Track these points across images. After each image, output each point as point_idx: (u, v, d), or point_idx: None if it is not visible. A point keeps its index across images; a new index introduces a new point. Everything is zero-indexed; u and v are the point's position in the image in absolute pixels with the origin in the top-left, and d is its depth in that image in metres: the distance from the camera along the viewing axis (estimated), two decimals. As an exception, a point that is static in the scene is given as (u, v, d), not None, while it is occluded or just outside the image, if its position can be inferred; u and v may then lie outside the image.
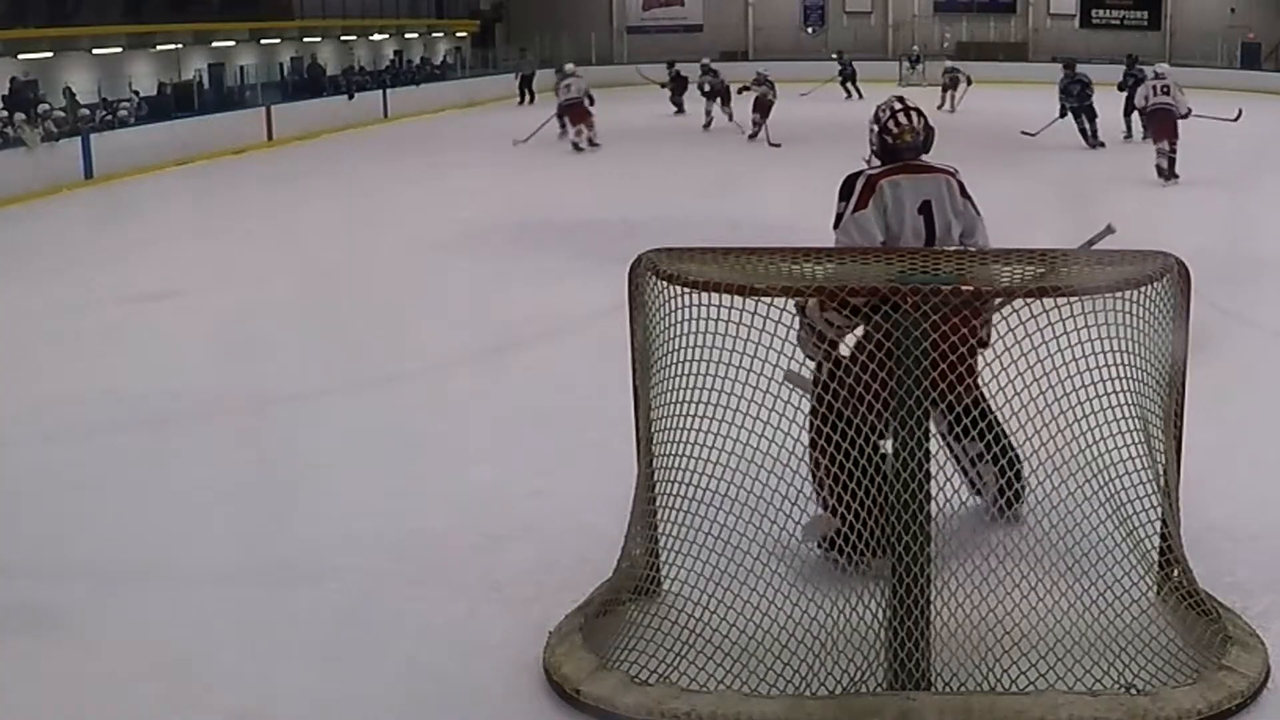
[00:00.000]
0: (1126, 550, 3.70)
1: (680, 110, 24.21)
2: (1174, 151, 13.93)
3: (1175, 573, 3.78)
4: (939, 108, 23.80)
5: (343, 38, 31.20)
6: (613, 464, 4.99)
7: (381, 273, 9.91)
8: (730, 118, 20.43)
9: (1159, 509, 3.72)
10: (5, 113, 16.58)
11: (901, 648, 3.39)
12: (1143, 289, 3.53)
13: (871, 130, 4.39)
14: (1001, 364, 3.44)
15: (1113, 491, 3.66)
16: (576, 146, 18.30)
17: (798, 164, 14.56)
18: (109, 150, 16.59)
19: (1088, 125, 17.34)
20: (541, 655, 3.68)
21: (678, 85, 24.58)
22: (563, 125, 18.83)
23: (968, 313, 3.29)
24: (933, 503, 3.40)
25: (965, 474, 4.01)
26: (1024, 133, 17.73)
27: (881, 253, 3.97)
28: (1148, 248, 3.73)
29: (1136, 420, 3.64)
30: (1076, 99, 17.35)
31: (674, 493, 3.72)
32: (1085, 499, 3.67)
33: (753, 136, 18.82)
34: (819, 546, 3.95)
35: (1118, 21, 36.05)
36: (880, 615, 3.45)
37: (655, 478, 3.79)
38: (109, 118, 18.34)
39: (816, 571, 3.54)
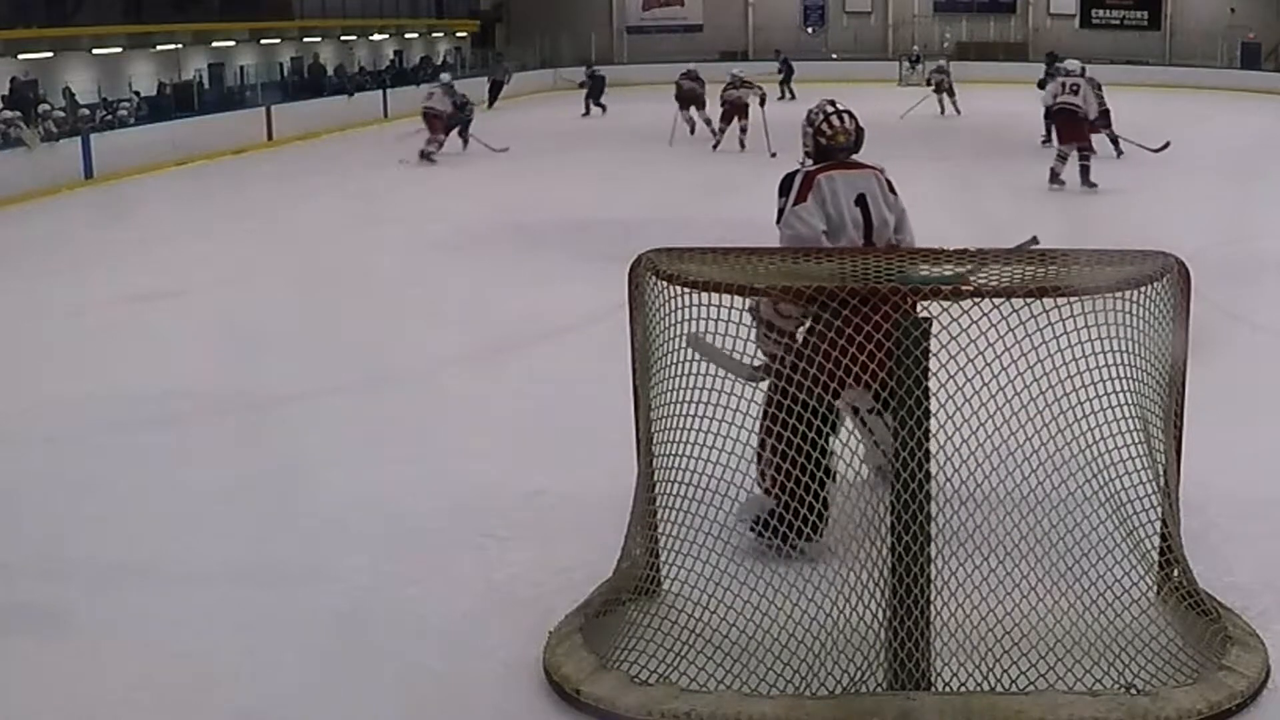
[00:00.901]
0: (1126, 550, 3.70)
1: (587, 112, 24.90)
2: (1086, 158, 13.10)
3: (1175, 573, 3.78)
4: (941, 114, 23.21)
5: (343, 38, 31.20)
6: (613, 464, 4.99)
7: (381, 273, 9.90)
8: (709, 123, 18.85)
9: (1159, 509, 3.72)
10: (5, 113, 16.58)
11: (901, 648, 3.39)
12: (1143, 289, 3.54)
13: (806, 132, 4.64)
14: (1002, 364, 3.45)
15: (1113, 491, 3.66)
16: (423, 155, 17.11)
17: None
18: (109, 150, 16.58)
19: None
20: (541, 655, 3.68)
21: (595, 86, 25.59)
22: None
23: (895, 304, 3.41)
24: (932, 503, 3.41)
25: (870, 445, 4.04)
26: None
27: (882, 252, 3.98)
28: (1148, 248, 3.73)
29: (1136, 420, 3.64)
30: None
31: (674, 493, 3.72)
32: (1085, 499, 3.67)
33: (715, 146, 17.73)
34: (751, 529, 4.10)
35: (1118, 21, 36.05)
36: (880, 615, 3.45)
37: (655, 478, 3.79)
38: (109, 117, 18.34)
39: (816, 571, 3.54)
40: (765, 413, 3.92)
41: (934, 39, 36.27)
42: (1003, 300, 3.46)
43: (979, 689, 3.40)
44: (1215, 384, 4.40)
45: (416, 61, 32.63)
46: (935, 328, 3.38)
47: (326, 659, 3.84)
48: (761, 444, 4.00)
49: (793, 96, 26.22)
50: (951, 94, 23.70)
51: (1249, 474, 5.02)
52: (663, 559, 3.82)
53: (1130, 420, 3.62)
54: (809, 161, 4.56)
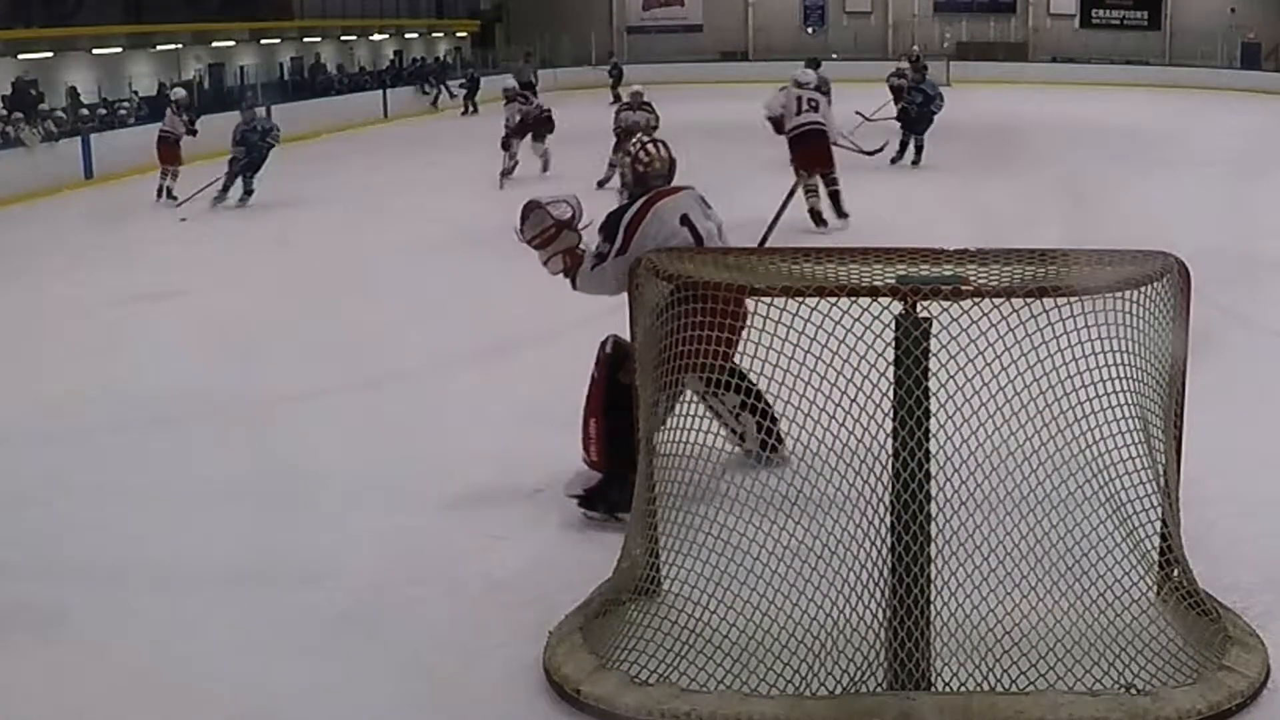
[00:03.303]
0: (1126, 550, 3.70)
1: (615, 101, 25.08)
2: (835, 184, 11.05)
3: (1175, 573, 3.78)
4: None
5: (343, 38, 31.21)
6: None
7: (381, 272, 9.90)
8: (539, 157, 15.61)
9: (1159, 509, 3.71)
10: (5, 113, 16.59)
11: (901, 648, 3.39)
12: (1143, 289, 3.54)
13: (623, 162, 4.99)
14: (1002, 364, 3.45)
15: (1113, 491, 3.66)
16: (160, 192, 14.57)
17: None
18: (109, 150, 16.58)
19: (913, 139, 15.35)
20: (541, 655, 3.68)
21: (470, 88, 27.08)
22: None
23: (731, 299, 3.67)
24: (932, 503, 3.41)
25: (726, 425, 4.19)
26: (858, 113, 15.59)
27: (881, 252, 3.97)
28: (1148, 247, 3.73)
29: (1136, 420, 3.64)
30: (918, 106, 15.21)
31: (674, 493, 3.72)
32: (1085, 499, 3.67)
33: (602, 182, 13.65)
34: (579, 503, 4.68)
35: (1118, 21, 36.05)
36: (880, 615, 3.46)
37: (655, 478, 3.79)
38: (109, 117, 18.34)
39: (816, 571, 3.54)
40: (596, 394, 4.54)
41: (934, 39, 36.27)
42: (1003, 300, 3.46)
43: (979, 689, 3.40)
44: (1215, 384, 4.41)
45: (415, 61, 32.61)
46: (935, 328, 3.38)
47: (326, 659, 3.84)
48: (587, 422, 4.60)
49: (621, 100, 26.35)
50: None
51: (1249, 474, 5.02)
52: (663, 559, 3.82)
53: (1130, 420, 3.62)
54: (625, 193, 4.92)
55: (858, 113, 15.40)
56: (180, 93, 16.39)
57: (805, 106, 11.02)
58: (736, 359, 3.90)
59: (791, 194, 10.49)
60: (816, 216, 10.87)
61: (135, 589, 4.36)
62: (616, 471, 4.46)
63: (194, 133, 14.98)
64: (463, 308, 8.65)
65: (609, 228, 4.72)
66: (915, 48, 32.24)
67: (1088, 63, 33.59)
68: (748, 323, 3.74)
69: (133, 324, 8.47)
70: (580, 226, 4.85)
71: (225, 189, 13.68)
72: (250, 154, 13.75)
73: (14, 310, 9.01)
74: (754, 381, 3.86)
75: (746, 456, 4.16)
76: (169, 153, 14.58)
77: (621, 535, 4.00)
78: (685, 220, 4.71)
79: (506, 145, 15.35)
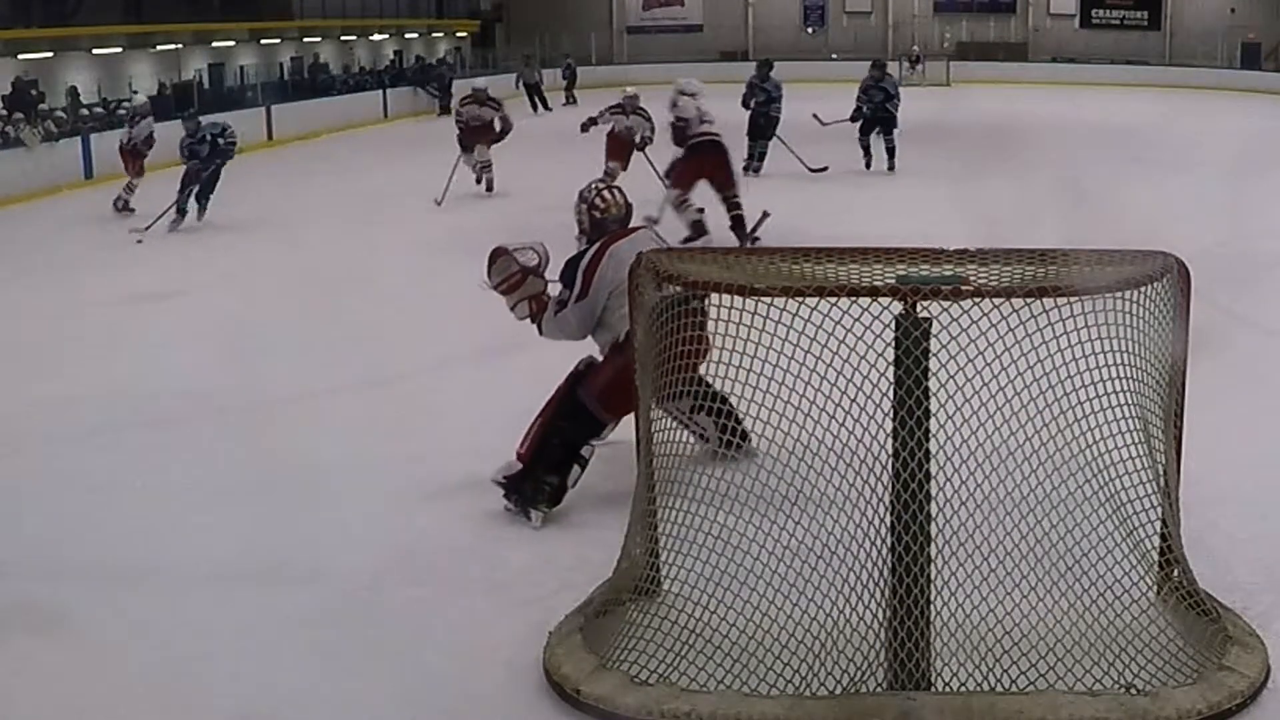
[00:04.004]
0: (1126, 550, 3.70)
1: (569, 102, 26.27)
2: (738, 206, 10.15)
3: (1175, 573, 3.78)
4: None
5: (343, 38, 31.20)
6: (613, 464, 5.00)
7: (381, 272, 9.90)
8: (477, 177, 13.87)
9: (1159, 509, 3.72)
10: (5, 112, 16.57)
11: (901, 648, 3.39)
12: (1143, 289, 3.54)
13: (580, 209, 5.10)
14: (1002, 364, 3.45)
15: (1113, 491, 3.66)
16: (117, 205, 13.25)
17: (797, 163, 14.53)
18: (109, 150, 16.55)
19: (872, 141, 14.74)
20: (541, 655, 3.68)
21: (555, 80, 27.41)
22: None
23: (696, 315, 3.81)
24: (932, 503, 3.41)
25: (686, 427, 4.20)
26: (815, 116, 14.95)
27: (881, 252, 3.97)
28: (1148, 247, 3.73)
29: (1136, 420, 3.64)
30: (875, 105, 14.67)
31: (674, 493, 3.72)
32: (1085, 499, 3.67)
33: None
34: (502, 489, 4.81)
35: (1118, 21, 36.03)
36: (880, 615, 3.45)
37: (655, 478, 3.79)
38: (109, 117, 18.33)
39: (816, 571, 3.54)
40: (554, 400, 4.84)
41: (934, 39, 36.28)
42: (1003, 300, 3.46)
43: (979, 689, 3.40)
44: (1215, 384, 4.40)
45: (418, 60, 32.58)
46: (935, 328, 3.38)
47: (326, 659, 3.84)
48: (535, 421, 4.81)
49: (548, 108, 26.51)
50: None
51: (1249, 474, 5.02)
52: (663, 559, 3.82)
53: (1130, 420, 3.62)
54: (583, 239, 5.05)
55: (815, 116, 14.83)
56: (141, 99, 15.40)
57: (706, 117, 10.54)
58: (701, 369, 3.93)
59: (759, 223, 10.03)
60: (698, 228, 10.16)
61: (135, 589, 4.37)
62: (532, 468, 4.74)
63: (129, 144, 13.49)
64: (462, 308, 8.62)
65: (567, 274, 4.89)
66: (915, 47, 32.26)
67: (1088, 63, 33.59)
68: (709, 344, 3.78)
69: (133, 324, 8.47)
70: (547, 273, 5.03)
71: (181, 211, 12.25)
72: (205, 165, 12.20)
73: (14, 310, 9.01)
74: (709, 384, 3.88)
75: (714, 453, 4.14)
76: (127, 162, 13.71)
77: (620, 535, 4.00)
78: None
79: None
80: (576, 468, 4.79)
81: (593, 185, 5.16)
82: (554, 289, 5.01)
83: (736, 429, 3.97)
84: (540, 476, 4.74)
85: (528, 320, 5.10)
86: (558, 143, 17.31)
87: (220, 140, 12.24)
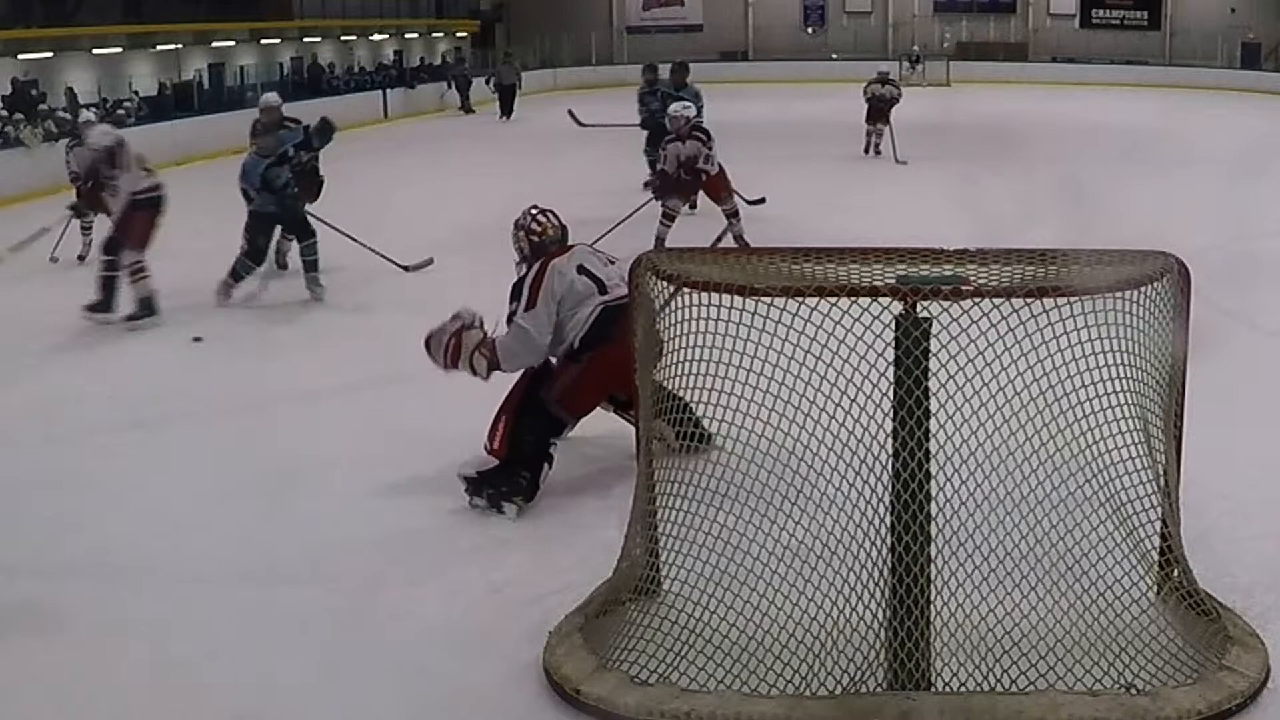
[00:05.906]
0: (1126, 550, 3.70)
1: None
2: (669, 222, 10.23)
3: (1175, 573, 3.78)
4: (865, 152, 16.32)
5: (343, 38, 31.20)
6: (613, 464, 5.00)
7: (381, 272, 9.89)
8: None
9: (1159, 509, 3.72)
10: (5, 113, 16.57)
11: (901, 648, 3.39)
12: (1143, 289, 3.54)
13: (517, 236, 5.33)
14: (1002, 364, 3.45)
15: (1113, 491, 3.66)
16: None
17: (797, 163, 14.55)
18: (109, 150, 16.53)
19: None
20: (541, 655, 3.68)
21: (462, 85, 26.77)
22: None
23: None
24: (932, 503, 3.41)
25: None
26: (570, 112, 14.69)
27: (881, 252, 3.98)
28: (1148, 247, 3.73)
29: (1136, 420, 3.64)
30: (653, 113, 13.09)
31: (674, 493, 3.72)
32: (1085, 499, 3.67)
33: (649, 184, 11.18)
34: (466, 486, 4.94)
35: (1118, 21, 36.05)
36: (880, 615, 3.45)
37: (655, 478, 3.79)
38: (109, 117, 18.30)
39: (816, 571, 3.54)
40: (515, 394, 5.03)
41: (934, 39, 36.29)
42: (1003, 300, 3.46)
43: (979, 689, 3.40)
44: (1215, 384, 4.40)
45: (422, 60, 32.58)
46: (935, 328, 3.38)
47: (326, 659, 3.84)
48: (499, 416, 5.01)
49: (472, 110, 26.48)
50: (885, 119, 16.52)
51: (1249, 474, 5.02)
52: (663, 559, 3.82)
53: (1130, 420, 3.62)
54: (524, 265, 5.22)
55: (569, 111, 14.45)
56: (91, 114, 12.87)
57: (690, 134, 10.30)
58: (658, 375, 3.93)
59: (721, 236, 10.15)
60: (661, 236, 10.11)
61: (135, 589, 4.37)
62: (511, 464, 4.91)
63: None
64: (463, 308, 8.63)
65: (515, 293, 5.10)
66: (915, 47, 32.28)
67: (1088, 63, 33.60)
68: (662, 350, 3.81)
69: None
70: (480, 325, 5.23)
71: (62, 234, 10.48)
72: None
73: (13, 310, 9.00)
74: (660, 386, 3.89)
75: (676, 449, 4.08)
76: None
77: (620, 535, 4.00)
78: (582, 269, 5.08)
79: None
80: (546, 465, 4.98)
81: (527, 212, 5.37)
82: (501, 330, 5.14)
83: (694, 432, 3.88)
84: (517, 471, 4.91)
85: (495, 370, 5.16)
86: (555, 140, 17.37)
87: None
